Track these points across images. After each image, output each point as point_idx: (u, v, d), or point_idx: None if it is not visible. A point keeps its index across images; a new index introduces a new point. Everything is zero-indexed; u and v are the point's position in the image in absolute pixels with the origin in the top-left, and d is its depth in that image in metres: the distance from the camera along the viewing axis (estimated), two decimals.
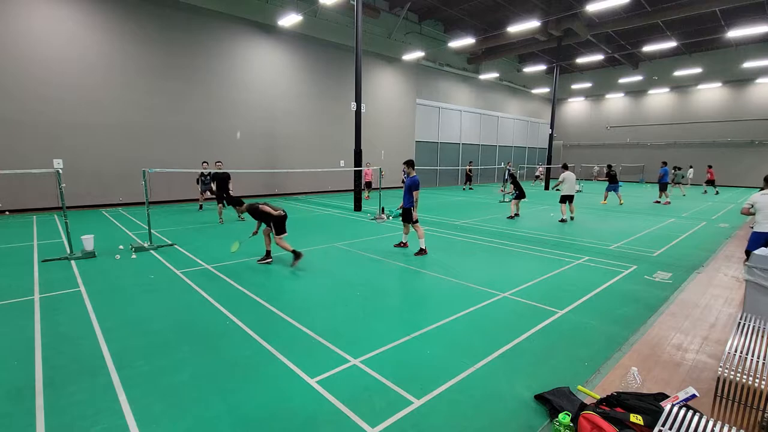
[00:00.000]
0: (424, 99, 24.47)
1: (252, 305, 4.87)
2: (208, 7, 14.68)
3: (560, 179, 11.85)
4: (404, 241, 7.97)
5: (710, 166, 21.77)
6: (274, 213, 6.61)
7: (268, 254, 6.94)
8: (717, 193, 21.55)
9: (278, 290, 5.44)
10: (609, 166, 17.49)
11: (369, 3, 19.24)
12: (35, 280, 5.73)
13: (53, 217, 11.43)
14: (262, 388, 3.13)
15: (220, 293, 5.26)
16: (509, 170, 19.15)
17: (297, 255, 6.57)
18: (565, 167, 12.26)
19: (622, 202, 16.11)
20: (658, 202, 16.71)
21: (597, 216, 12.85)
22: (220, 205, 11.29)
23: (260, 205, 6.68)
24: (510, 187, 12.84)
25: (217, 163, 11.46)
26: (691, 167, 26.33)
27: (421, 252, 7.42)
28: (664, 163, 17.23)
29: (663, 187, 16.73)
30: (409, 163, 7.68)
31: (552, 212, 13.56)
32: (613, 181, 16.37)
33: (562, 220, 11.59)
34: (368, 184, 17.52)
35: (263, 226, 6.94)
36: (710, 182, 21.35)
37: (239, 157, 16.31)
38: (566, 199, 11.63)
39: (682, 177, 21.57)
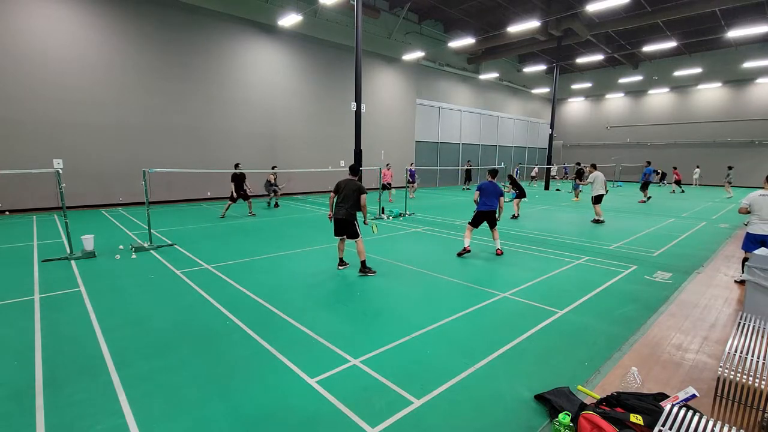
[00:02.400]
0: (424, 99, 24.47)
1: (252, 305, 4.87)
2: (208, 7, 14.68)
3: (590, 179, 11.62)
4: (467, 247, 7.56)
5: (675, 168, 22.95)
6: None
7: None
8: (683, 191, 22.34)
9: (278, 290, 5.44)
10: (578, 163, 18.18)
11: (369, 3, 19.24)
12: (35, 280, 5.73)
13: (53, 217, 11.42)
14: (262, 388, 3.13)
15: (220, 293, 5.26)
16: (517, 171, 19.54)
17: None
18: (594, 167, 12.03)
19: (576, 199, 17.01)
20: (643, 201, 17.05)
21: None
22: (231, 202, 11.65)
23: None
24: (509, 187, 12.85)
25: (237, 165, 11.76)
26: (697, 167, 26.39)
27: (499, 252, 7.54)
28: (648, 163, 17.91)
29: (645, 186, 17.33)
30: (488, 172, 7.87)
31: (545, 210, 13.57)
32: (578, 178, 17.34)
33: (598, 221, 11.32)
34: (388, 185, 16.82)
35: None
36: (677, 182, 22.40)
37: (239, 157, 16.30)
38: (599, 199, 11.40)
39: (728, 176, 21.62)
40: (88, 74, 12.79)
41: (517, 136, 33.33)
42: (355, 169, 6.43)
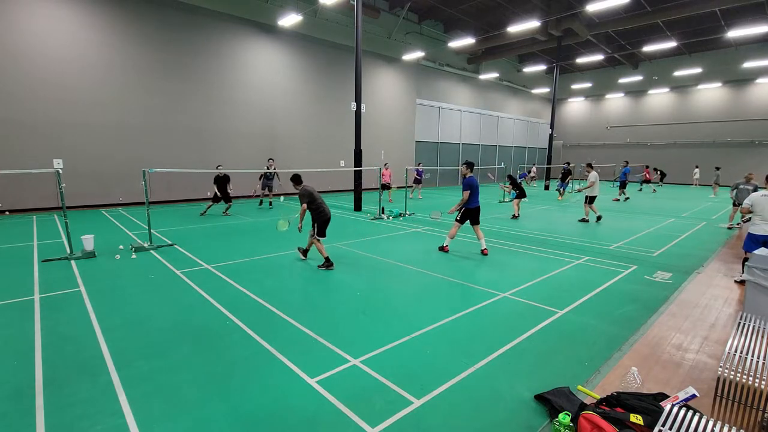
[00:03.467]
0: (424, 99, 24.47)
1: (252, 305, 4.86)
2: (208, 7, 14.69)
3: (591, 180, 11.27)
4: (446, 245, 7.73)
5: (647, 167, 23.33)
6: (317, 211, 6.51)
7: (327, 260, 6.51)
8: (641, 190, 22.53)
9: (278, 290, 5.44)
10: (567, 163, 18.71)
11: (369, 3, 19.24)
12: (35, 280, 5.73)
13: (53, 217, 11.42)
14: (262, 388, 3.13)
15: (220, 293, 5.26)
16: (525, 173, 19.88)
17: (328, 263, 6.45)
18: (590, 167, 11.74)
19: (561, 198, 17.25)
20: (617, 200, 17.36)
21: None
22: (213, 203, 12.04)
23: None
24: (509, 187, 12.90)
25: (218, 167, 11.83)
26: (697, 167, 26.31)
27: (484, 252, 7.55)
28: (626, 163, 18.50)
29: (623, 186, 17.81)
30: (467, 165, 7.55)
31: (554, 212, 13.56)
32: (564, 178, 17.89)
33: (584, 220, 11.49)
34: (387, 185, 16.41)
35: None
36: (647, 181, 22.86)
37: (239, 157, 16.31)
38: (592, 199, 11.36)
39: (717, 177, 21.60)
40: (88, 74, 12.79)
41: (517, 136, 33.32)
42: (300, 177, 6.73)
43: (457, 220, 7.56)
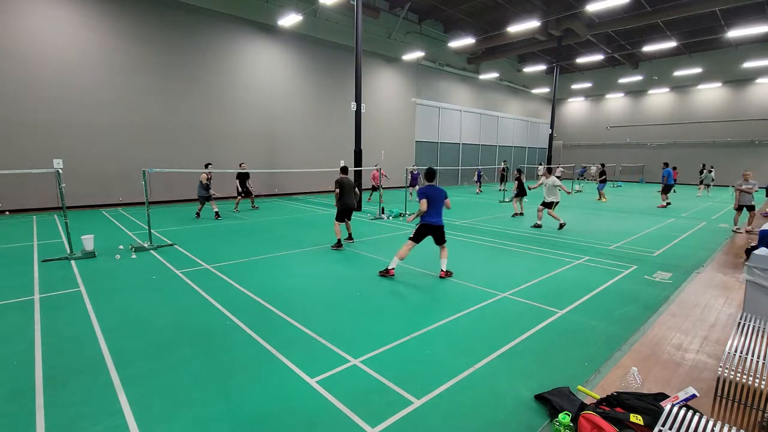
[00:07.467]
0: (424, 99, 24.46)
1: (252, 305, 4.87)
2: (208, 6, 14.68)
3: (544, 182, 10.33)
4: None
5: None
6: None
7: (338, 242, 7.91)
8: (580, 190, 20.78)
9: (278, 290, 5.44)
10: (602, 165, 18.44)
11: (369, 3, 19.24)
12: (35, 280, 5.73)
13: (53, 217, 11.42)
14: (262, 388, 3.13)
15: (220, 293, 5.26)
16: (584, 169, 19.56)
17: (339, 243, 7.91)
18: (549, 172, 10.73)
19: (605, 199, 16.83)
20: (663, 206, 15.60)
21: (597, 216, 12.84)
22: (240, 198, 13.16)
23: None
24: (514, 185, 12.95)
25: (242, 165, 13.37)
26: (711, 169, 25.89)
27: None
28: (666, 164, 16.73)
29: (667, 189, 15.71)
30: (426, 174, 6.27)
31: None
32: (601, 178, 17.43)
33: (562, 225, 10.24)
34: (375, 187, 16.57)
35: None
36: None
37: (239, 157, 16.30)
38: (550, 205, 10.21)
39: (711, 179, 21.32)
40: (88, 74, 12.79)
41: (517, 136, 33.32)
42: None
43: (410, 237, 6.03)
